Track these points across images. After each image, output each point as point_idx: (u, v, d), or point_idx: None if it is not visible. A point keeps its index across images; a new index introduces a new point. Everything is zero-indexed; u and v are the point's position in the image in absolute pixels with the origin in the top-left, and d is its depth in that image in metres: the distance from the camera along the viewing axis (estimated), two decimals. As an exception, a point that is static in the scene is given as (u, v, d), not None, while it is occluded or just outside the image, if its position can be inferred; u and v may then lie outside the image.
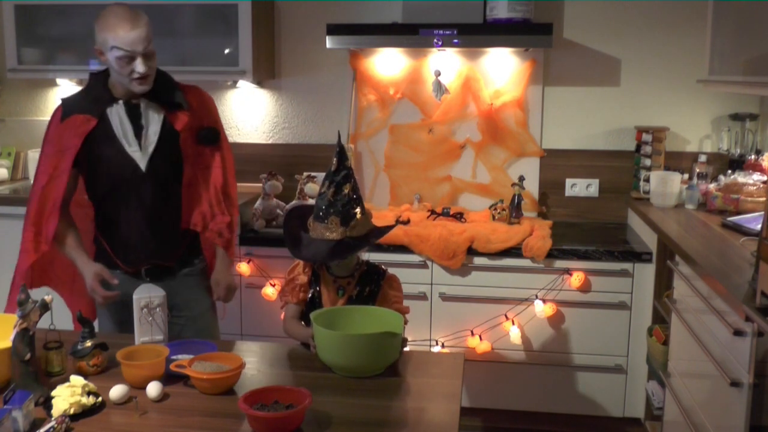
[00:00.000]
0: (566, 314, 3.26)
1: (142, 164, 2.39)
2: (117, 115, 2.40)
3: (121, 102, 2.40)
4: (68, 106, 2.43)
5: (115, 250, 2.47)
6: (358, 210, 2.16)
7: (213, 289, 2.58)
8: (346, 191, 2.15)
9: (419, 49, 3.63)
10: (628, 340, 3.25)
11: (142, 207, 2.42)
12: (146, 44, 2.30)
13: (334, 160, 2.18)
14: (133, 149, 2.39)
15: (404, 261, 3.28)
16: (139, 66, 2.29)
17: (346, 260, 2.25)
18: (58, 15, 3.79)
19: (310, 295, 2.30)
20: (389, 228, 2.31)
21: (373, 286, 2.28)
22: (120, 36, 2.28)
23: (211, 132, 2.55)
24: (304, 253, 2.19)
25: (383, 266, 2.36)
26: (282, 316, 2.36)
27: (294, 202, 3.52)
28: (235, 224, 2.61)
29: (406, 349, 2.18)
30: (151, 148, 2.41)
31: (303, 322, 2.30)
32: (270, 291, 3.40)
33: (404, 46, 3.52)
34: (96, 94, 2.43)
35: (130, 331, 2.20)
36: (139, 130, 2.41)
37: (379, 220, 3.45)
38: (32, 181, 2.55)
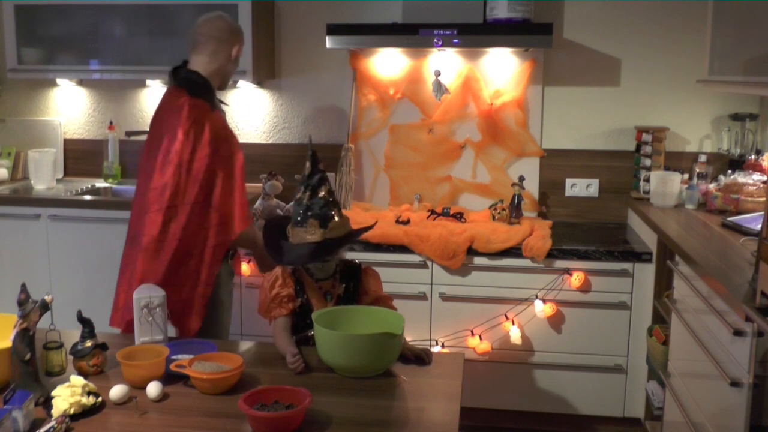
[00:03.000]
0: (566, 314, 3.26)
1: None
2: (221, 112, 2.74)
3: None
4: (210, 101, 2.65)
5: None
6: (335, 212, 2.19)
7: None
8: (322, 194, 2.19)
9: (419, 49, 3.63)
10: (628, 340, 3.25)
11: None
12: None
13: (308, 164, 2.22)
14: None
15: (404, 261, 3.28)
16: None
17: (328, 262, 2.27)
18: (58, 15, 3.79)
19: (299, 304, 2.28)
20: (367, 228, 2.34)
21: (355, 281, 2.32)
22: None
23: None
24: (286, 258, 2.20)
25: (356, 260, 2.41)
26: (273, 331, 2.28)
27: (258, 202, 3.53)
28: None
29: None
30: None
31: (292, 335, 2.24)
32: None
33: (404, 46, 3.52)
34: (211, 90, 2.68)
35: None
36: None
37: (379, 220, 3.46)
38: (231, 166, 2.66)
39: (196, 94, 2.59)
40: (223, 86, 2.79)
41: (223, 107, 2.78)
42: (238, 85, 3.90)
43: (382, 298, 2.34)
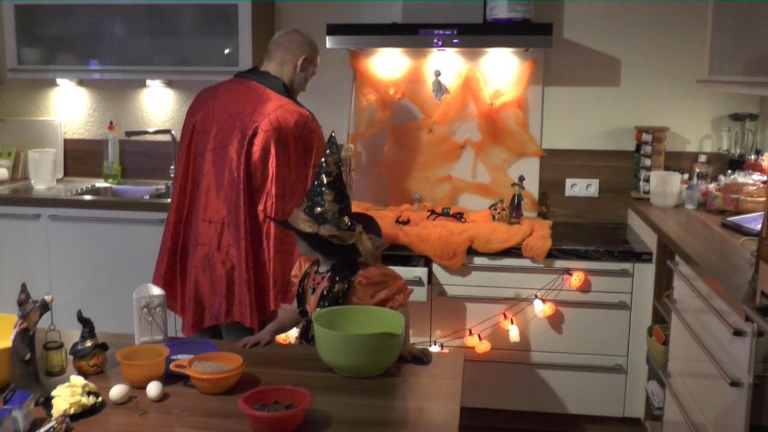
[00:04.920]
0: (566, 314, 3.26)
1: None
2: None
3: None
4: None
5: None
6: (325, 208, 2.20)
7: None
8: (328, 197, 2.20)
9: (419, 49, 3.63)
10: (628, 340, 3.25)
11: None
12: None
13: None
14: None
15: (404, 261, 3.28)
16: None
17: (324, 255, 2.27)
18: (58, 15, 3.80)
19: (296, 292, 2.33)
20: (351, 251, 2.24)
21: (345, 282, 2.22)
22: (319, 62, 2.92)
23: None
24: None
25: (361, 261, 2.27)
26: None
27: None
28: None
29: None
30: None
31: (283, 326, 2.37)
32: None
33: (404, 46, 3.52)
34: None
35: None
36: None
37: (379, 220, 3.45)
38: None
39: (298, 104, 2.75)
40: (292, 98, 2.82)
41: None
42: (238, 85, 3.90)
43: (393, 302, 2.23)
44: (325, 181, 2.19)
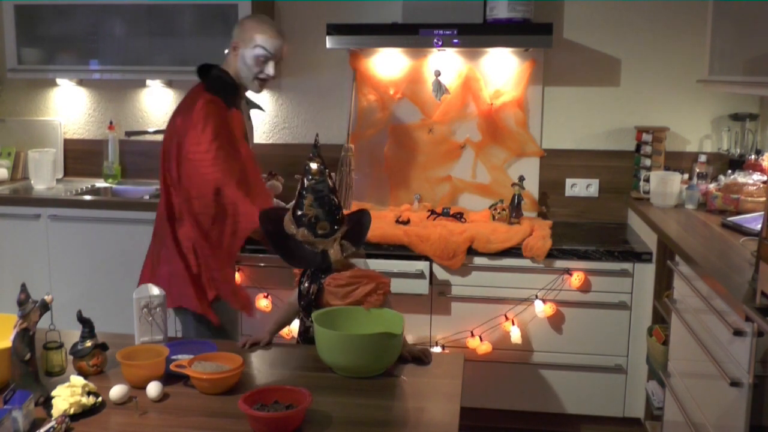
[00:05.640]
0: (566, 314, 3.26)
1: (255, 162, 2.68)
2: (244, 112, 2.70)
3: (244, 101, 2.66)
4: (227, 99, 2.63)
5: None
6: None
7: None
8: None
9: (419, 49, 3.63)
10: (628, 340, 3.25)
11: None
12: (282, 55, 2.68)
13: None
14: (252, 146, 2.68)
15: (404, 261, 3.28)
16: (270, 68, 2.67)
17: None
18: (58, 15, 3.80)
19: (296, 285, 2.35)
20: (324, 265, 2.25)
21: (316, 284, 2.24)
22: (268, 39, 2.66)
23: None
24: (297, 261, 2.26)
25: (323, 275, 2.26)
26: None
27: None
28: None
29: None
30: (252, 146, 2.71)
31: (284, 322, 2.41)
32: (264, 303, 3.35)
33: (404, 46, 3.52)
34: (232, 89, 2.66)
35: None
36: (251, 129, 2.72)
37: (379, 220, 3.47)
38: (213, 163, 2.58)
39: (212, 91, 2.64)
40: (252, 88, 2.76)
41: (256, 111, 2.79)
42: (238, 85, 3.91)
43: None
44: (305, 185, 2.20)
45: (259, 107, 3.07)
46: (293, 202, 2.26)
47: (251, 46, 2.67)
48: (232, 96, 2.70)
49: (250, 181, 2.66)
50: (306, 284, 2.26)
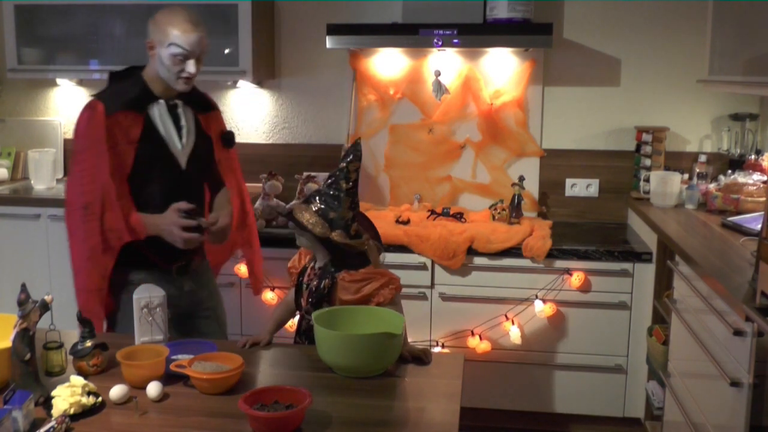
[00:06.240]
0: (566, 314, 3.26)
1: (183, 164, 2.46)
2: (159, 114, 2.44)
3: (162, 101, 2.45)
4: (109, 103, 2.43)
5: (153, 249, 2.44)
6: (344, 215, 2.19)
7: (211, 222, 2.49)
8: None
9: (419, 49, 3.63)
10: (628, 340, 3.25)
11: None
12: (202, 48, 2.42)
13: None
14: (176, 149, 2.45)
15: (404, 261, 3.28)
16: (191, 66, 2.40)
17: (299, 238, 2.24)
18: (58, 15, 3.79)
19: (295, 282, 2.33)
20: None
21: (330, 278, 2.21)
22: (182, 35, 2.36)
23: (231, 135, 2.68)
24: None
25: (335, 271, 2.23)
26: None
27: (258, 202, 3.52)
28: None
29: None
30: (189, 149, 2.48)
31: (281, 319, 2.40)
32: (270, 296, 3.38)
33: (404, 46, 3.52)
34: (136, 91, 2.46)
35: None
36: (179, 131, 2.47)
37: (379, 220, 3.46)
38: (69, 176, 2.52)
39: (97, 95, 2.51)
40: (179, 87, 2.42)
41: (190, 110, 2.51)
42: (239, 85, 3.90)
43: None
44: (344, 188, 2.19)
45: (210, 108, 2.67)
46: (315, 202, 2.19)
47: (166, 45, 2.35)
48: (134, 98, 2.45)
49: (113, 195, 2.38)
50: (315, 282, 2.25)
